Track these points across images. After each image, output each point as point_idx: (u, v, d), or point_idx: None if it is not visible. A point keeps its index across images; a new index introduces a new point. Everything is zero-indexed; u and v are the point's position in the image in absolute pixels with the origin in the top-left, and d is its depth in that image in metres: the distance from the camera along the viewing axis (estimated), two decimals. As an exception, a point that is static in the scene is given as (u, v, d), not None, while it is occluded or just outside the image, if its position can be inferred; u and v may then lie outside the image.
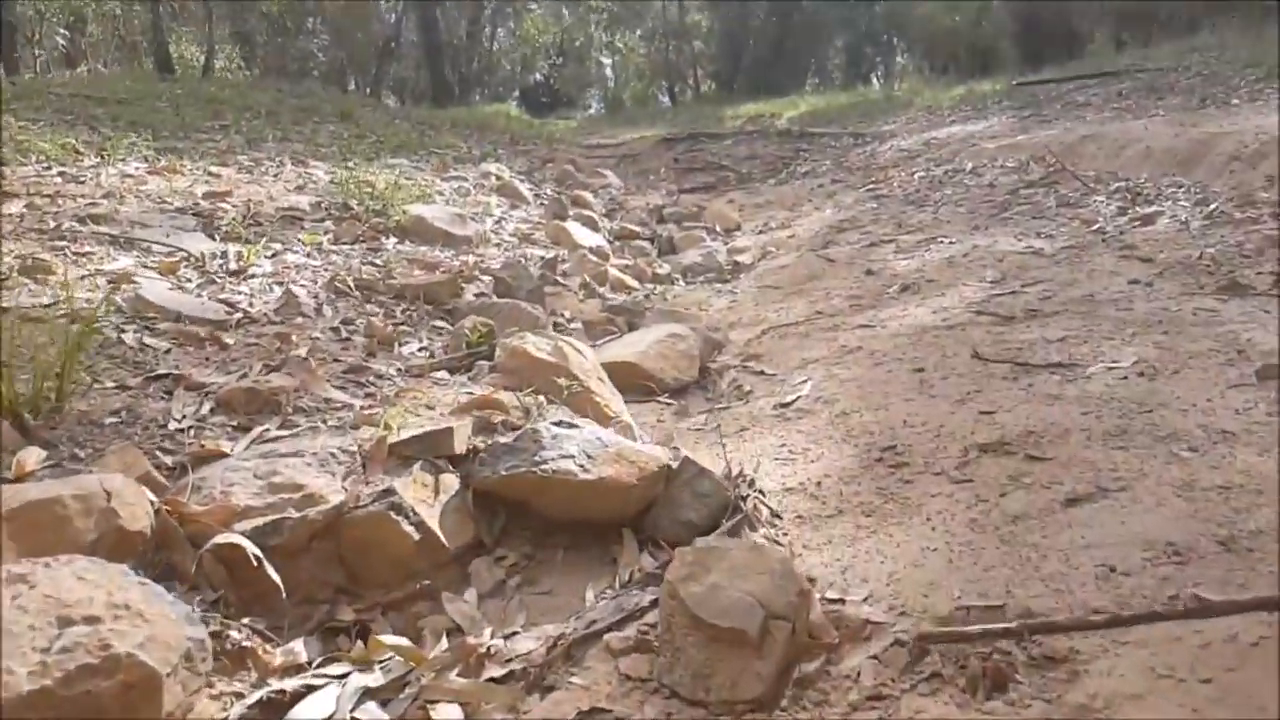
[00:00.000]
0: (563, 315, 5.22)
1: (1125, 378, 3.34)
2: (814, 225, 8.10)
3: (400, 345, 3.81)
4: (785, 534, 2.71)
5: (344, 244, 5.62)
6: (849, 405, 3.64)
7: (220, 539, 2.26)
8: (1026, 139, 9.85)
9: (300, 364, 3.22)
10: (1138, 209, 6.21)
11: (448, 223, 6.21)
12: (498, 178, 8.85)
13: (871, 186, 9.52)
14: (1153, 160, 7.24)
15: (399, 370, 3.44)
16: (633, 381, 4.18)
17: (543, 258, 6.28)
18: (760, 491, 2.82)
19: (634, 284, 6.44)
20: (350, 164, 8.39)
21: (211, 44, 22.57)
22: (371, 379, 3.27)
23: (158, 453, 2.61)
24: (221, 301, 4.11)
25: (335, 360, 3.48)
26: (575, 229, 6.89)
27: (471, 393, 3.17)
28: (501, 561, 2.53)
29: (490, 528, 2.61)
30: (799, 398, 3.89)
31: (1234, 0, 17.37)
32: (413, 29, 29.86)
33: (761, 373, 4.43)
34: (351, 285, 4.55)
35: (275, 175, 7.46)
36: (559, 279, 5.92)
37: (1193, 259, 4.85)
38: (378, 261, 5.26)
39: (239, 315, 3.95)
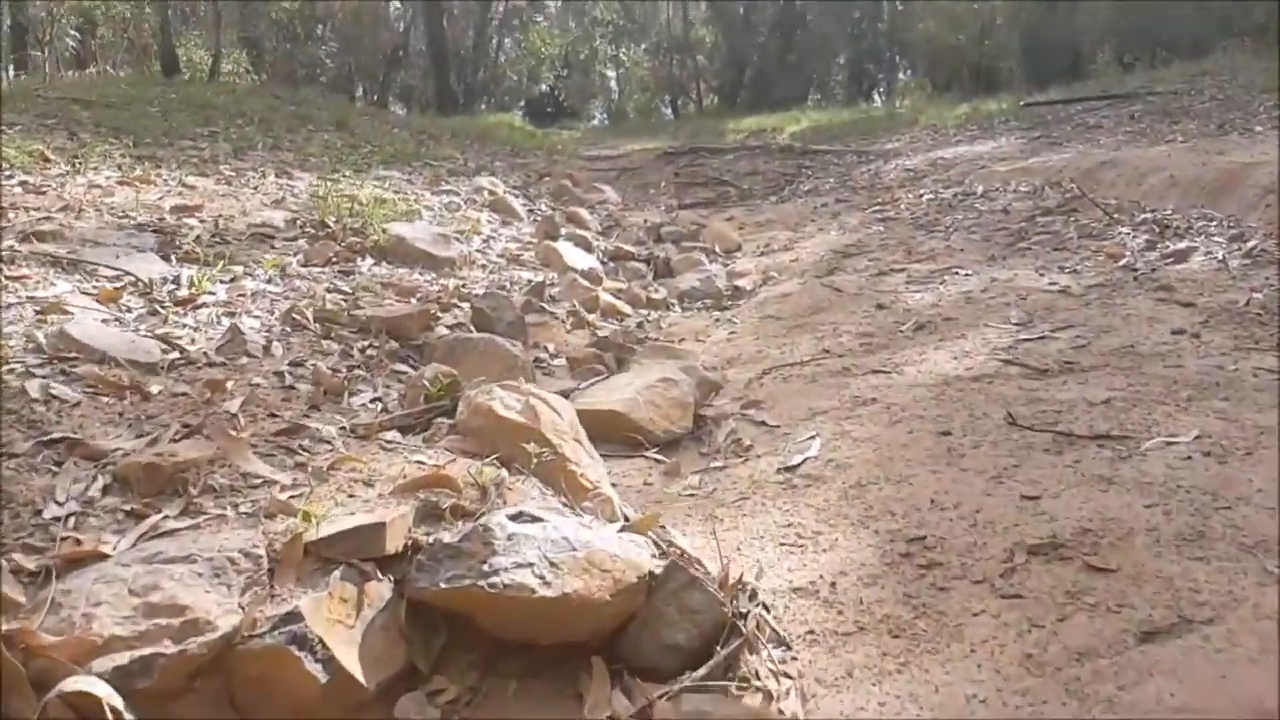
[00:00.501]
0: (546, 349, 4.67)
1: (1189, 458, 2.79)
2: (819, 249, 7.55)
3: (350, 395, 3.25)
4: (795, 659, 2.16)
5: (314, 266, 5.06)
6: (865, 474, 3.08)
7: (70, 684, 1.71)
8: (1039, 162, 9.30)
9: (223, 425, 2.66)
10: (1168, 243, 5.66)
11: (430, 243, 5.66)
12: (491, 192, 8.31)
13: (878, 208, 8.98)
14: (1179, 190, 6.68)
15: (342, 430, 2.88)
16: (618, 433, 3.64)
17: (530, 281, 5.73)
18: (764, 605, 2.27)
19: (627, 310, 5.89)
20: (339, 175, 7.85)
21: (218, 48, 22.03)
22: (306, 443, 2.71)
23: (20, 552, 2.06)
24: (159, 338, 3.55)
25: (271, 415, 2.92)
26: (566, 250, 6.34)
27: (422, 462, 2.62)
28: (437, 697, 1.98)
29: (427, 649, 2.06)
30: (806, 459, 3.33)
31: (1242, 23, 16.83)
32: (421, 38, 29.40)
33: (763, 424, 3.87)
34: (310, 318, 3.99)
35: (255, 187, 6.91)
36: (545, 305, 5.38)
37: (1239, 305, 4.30)
38: (346, 288, 4.70)
39: (174, 355, 3.39)
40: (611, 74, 33.96)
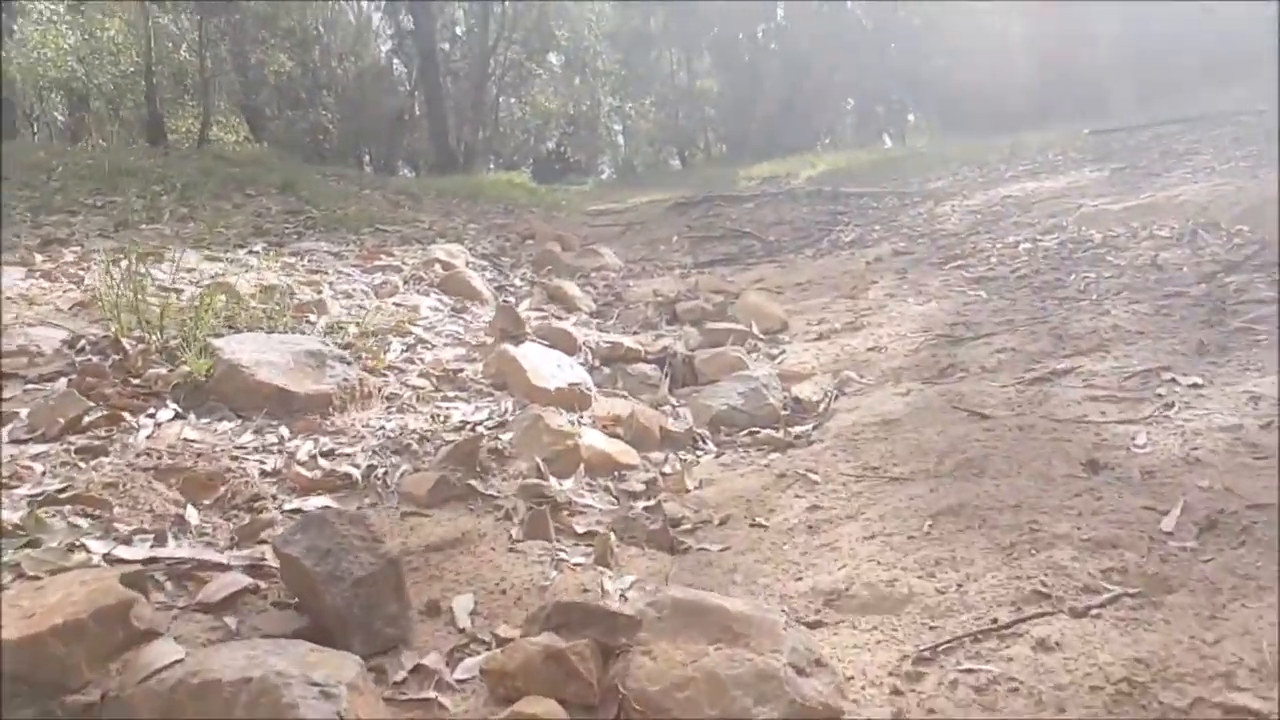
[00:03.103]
0: (455, 624, 2.05)
1: None
2: (903, 327, 4.94)
3: None
4: None
5: (42, 441, 2.49)
6: None
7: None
8: (1162, 198, 6.68)
9: None
10: None
11: (288, 370, 3.06)
12: (446, 266, 5.73)
13: (960, 262, 6.36)
14: None
15: None
16: None
17: (465, 426, 3.14)
18: None
19: (629, 459, 3.29)
20: (230, 255, 5.31)
21: (206, 114, 19.80)
22: None
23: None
24: None
25: None
26: (533, 358, 3.71)
27: None
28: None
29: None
30: None
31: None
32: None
33: None
34: None
35: (77, 280, 4.36)
36: (478, 483, 2.77)
37: None
38: (67, 492, 2.14)
39: None
40: (618, 128, 31.65)
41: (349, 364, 3.22)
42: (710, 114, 27.89)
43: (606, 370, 4.21)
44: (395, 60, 29.41)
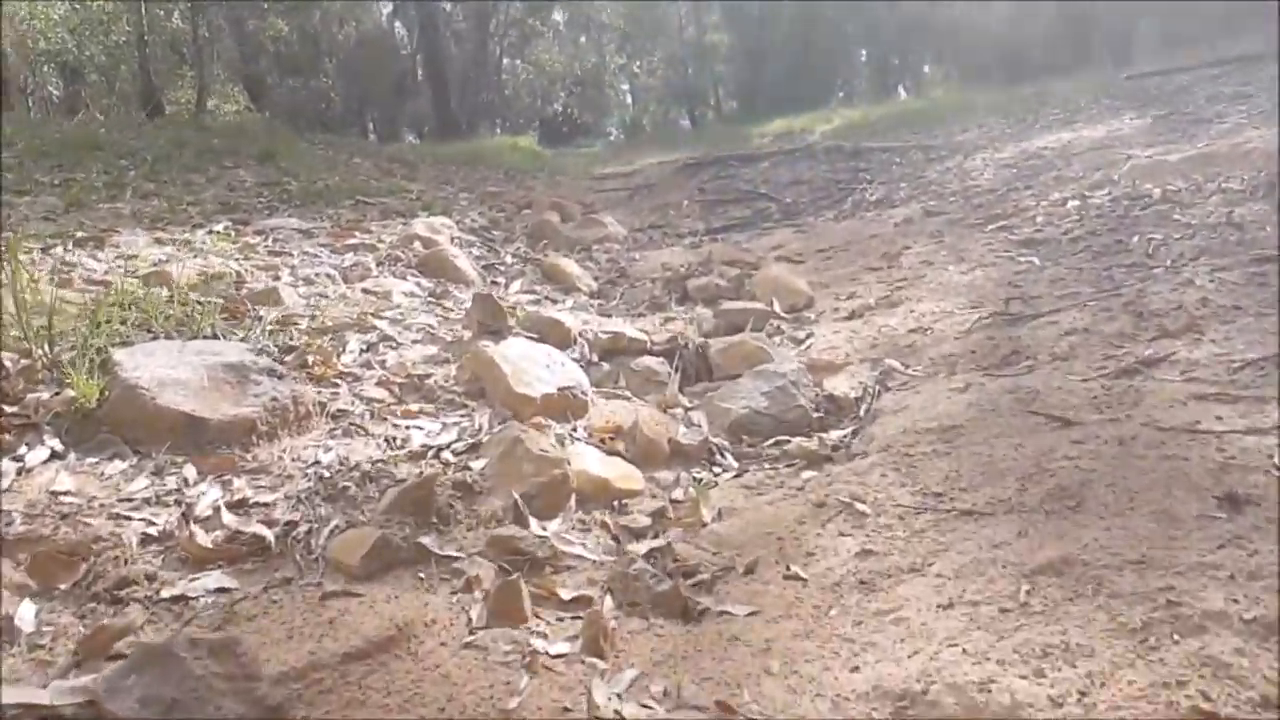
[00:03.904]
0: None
1: None
2: (948, 302, 4.26)
3: None
4: None
5: None
6: None
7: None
8: (1224, 147, 5.97)
9: None
10: None
11: (200, 390, 2.42)
12: (428, 243, 5.06)
13: (1003, 223, 5.65)
14: None
15: None
16: None
17: (426, 453, 2.51)
18: None
19: (632, 482, 2.67)
20: (186, 233, 4.67)
21: (202, 83, 19.03)
22: None
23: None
24: None
25: None
26: (516, 358, 3.06)
27: None
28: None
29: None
30: None
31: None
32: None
33: None
34: None
35: None
36: (443, 521, 2.14)
37: None
38: None
39: None
40: (625, 87, 30.66)
41: (280, 378, 2.58)
42: (720, 70, 26.89)
43: (606, 366, 3.56)
44: (397, 23, 28.50)
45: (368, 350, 3.19)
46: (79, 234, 4.46)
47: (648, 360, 3.62)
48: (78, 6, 18.93)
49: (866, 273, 5.33)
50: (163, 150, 7.70)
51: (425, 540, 2.00)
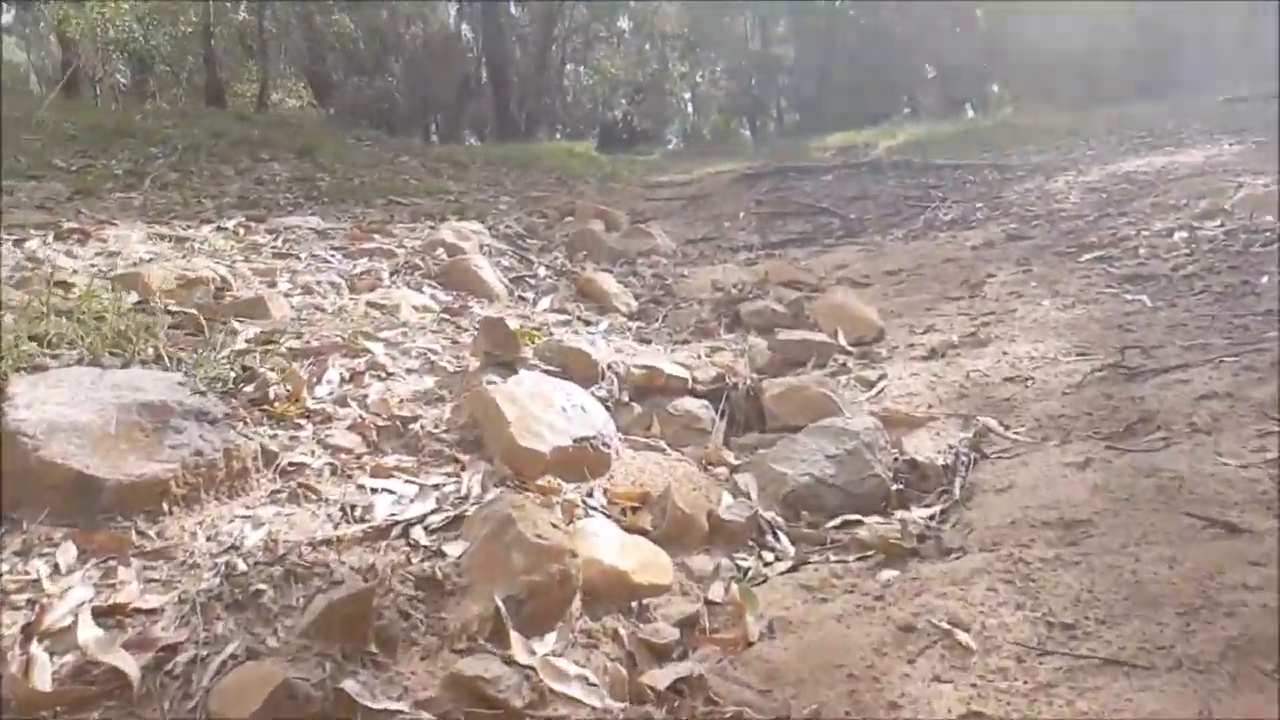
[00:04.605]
0: None
1: None
2: (1047, 344, 3.57)
3: None
4: None
5: None
6: None
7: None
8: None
9: None
10: None
11: (103, 438, 1.83)
12: (452, 249, 4.48)
13: (1101, 254, 4.93)
14: None
15: None
16: None
17: (390, 529, 1.91)
18: None
19: (657, 578, 2.06)
20: (190, 227, 4.15)
21: (264, 77, 18.83)
22: None
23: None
24: None
25: None
26: (525, 399, 2.44)
27: None
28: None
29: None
30: None
31: None
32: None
33: None
34: None
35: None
36: (385, 647, 1.54)
37: None
38: None
39: None
40: (687, 95, 30.02)
41: (213, 423, 2.00)
42: (784, 82, 26.16)
43: (638, 408, 2.93)
44: (464, 25, 28.22)
45: (349, 380, 2.61)
46: (68, 225, 3.96)
47: (688, 403, 3.00)
48: (145, -5, 18.83)
49: (945, 302, 4.65)
50: (195, 139, 7.26)
51: (350, 684, 1.40)
